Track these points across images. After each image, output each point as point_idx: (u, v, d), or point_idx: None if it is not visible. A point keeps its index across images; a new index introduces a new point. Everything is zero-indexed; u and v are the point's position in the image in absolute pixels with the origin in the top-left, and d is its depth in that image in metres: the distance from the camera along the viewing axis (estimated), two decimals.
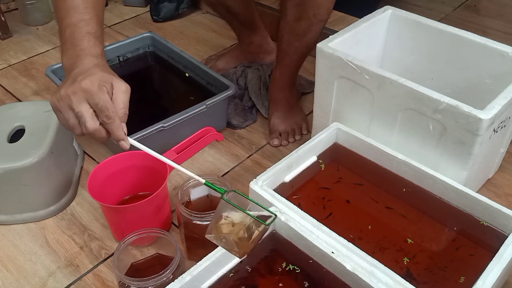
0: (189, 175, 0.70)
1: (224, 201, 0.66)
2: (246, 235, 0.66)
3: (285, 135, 1.12)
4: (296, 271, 0.73)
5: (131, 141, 0.68)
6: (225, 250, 0.67)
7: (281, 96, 1.13)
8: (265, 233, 0.69)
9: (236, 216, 0.66)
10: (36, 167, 0.89)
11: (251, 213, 0.66)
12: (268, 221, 0.66)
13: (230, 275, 0.72)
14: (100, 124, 0.64)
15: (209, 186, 0.70)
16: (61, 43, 0.70)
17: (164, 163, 0.86)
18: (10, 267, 0.87)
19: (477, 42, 0.93)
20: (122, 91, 0.65)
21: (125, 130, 0.66)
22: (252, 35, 1.29)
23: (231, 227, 0.66)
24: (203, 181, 0.70)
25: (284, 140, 1.12)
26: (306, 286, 0.71)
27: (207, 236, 0.67)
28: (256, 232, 0.66)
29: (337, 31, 0.97)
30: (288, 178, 0.86)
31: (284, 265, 0.73)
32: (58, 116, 0.66)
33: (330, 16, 1.01)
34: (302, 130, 1.14)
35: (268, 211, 0.67)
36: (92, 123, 0.63)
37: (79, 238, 0.92)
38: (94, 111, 0.63)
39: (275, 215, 0.67)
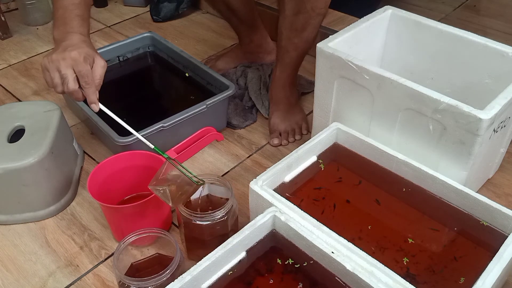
0: (144, 142, 0.84)
1: (168, 163, 0.81)
2: (180, 191, 0.79)
3: (285, 135, 1.12)
4: (296, 266, 0.73)
5: (101, 106, 0.82)
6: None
7: (282, 95, 1.13)
8: (194, 192, 0.82)
9: (174, 176, 0.80)
10: (36, 167, 0.89)
11: (188, 174, 0.81)
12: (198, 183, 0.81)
13: (230, 273, 0.72)
14: (79, 87, 0.79)
15: (157, 151, 0.82)
16: (53, 19, 0.84)
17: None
18: (10, 267, 0.87)
19: (477, 42, 0.93)
20: (100, 66, 0.81)
21: (97, 96, 0.82)
22: (252, 33, 1.29)
23: (169, 182, 0.80)
24: (152, 146, 0.83)
25: (284, 140, 1.12)
26: (306, 286, 0.71)
27: (150, 186, 0.79)
28: (188, 190, 0.80)
29: (337, 31, 0.97)
30: (288, 178, 0.86)
31: (281, 261, 0.73)
32: (45, 74, 0.80)
33: (328, 12, 1.01)
34: (302, 130, 1.14)
35: (198, 178, 0.81)
36: (72, 85, 0.78)
37: (79, 238, 0.92)
38: (76, 76, 0.79)
39: (203, 182, 0.82)
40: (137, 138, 0.95)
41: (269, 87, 1.21)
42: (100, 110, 0.83)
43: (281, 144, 1.12)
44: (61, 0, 0.82)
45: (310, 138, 0.90)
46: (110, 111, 0.83)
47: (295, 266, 0.73)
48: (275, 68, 1.12)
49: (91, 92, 0.80)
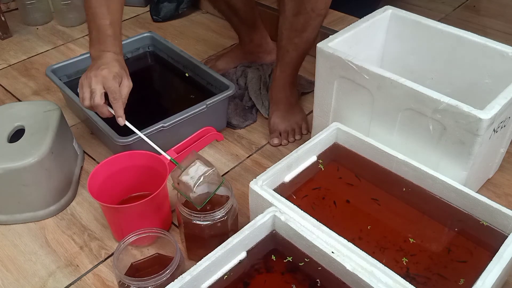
0: (155, 148, 0.87)
1: (193, 160, 0.81)
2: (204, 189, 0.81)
3: (285, 135, 1.12)
4: (296, 266, 0.73)
5: (127, 123, 0.88)
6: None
7: (282, 95, 1.13)
8: (216, 190, 0.83)
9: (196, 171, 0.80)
10: (36, 167, 0.89)
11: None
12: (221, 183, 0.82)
13: (229, 275, 0.72)
14: (104, 103, 0.86)
15: (173, 162, 0.84)
16: (89, 39, 0.92)
17: (164, 164, 0.86)
18: (10, 267, 0.87)
19: (477, 42, 0.93)
20: (126, 86, 0.89)
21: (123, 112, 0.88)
22: (252, 33, 1.29)
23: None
24: (169, 157, 0.86)
25: (284, 140, 1.12)
26: (305, 285, 0.71)
27: (177, 176, 0.79)
28: (211, 187, 0.81)
29: (337, 31, 0.97)
30: (288, 178, 0.86)
31: (281, 261, 0.73)
32: (79, 90, 0.89)
33: (328, 12, 1.01)
34: (302, 130, 1.14)
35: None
36: (99, 99, 0.85)
37: (79, 238, 0.92)
38: (105, 93, 0.86)
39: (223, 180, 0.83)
40: (137, 138, 0.96)
41: (269, 87, 1.21)
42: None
43: (281, 144, 1.12)
44: (93, 22, 0.90)
45: (310, 138, 0.90)
46: (134, 127, 0.89)
47: (295, 266, 0.73)
48: (275, 68, 1.12)
49: (118, 107, 0.87)
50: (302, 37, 1.03)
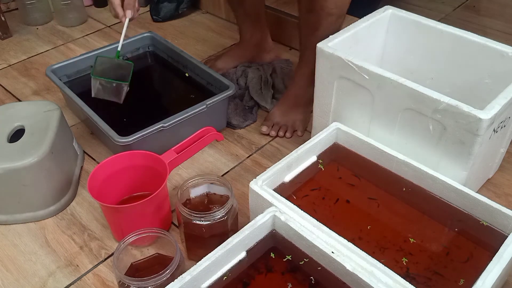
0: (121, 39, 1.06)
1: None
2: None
3: (276, 127, 1.13)
4: (296, 266, 0.73)
5: (125, 26, 1.04)
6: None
7: (293, 92, 1.14)
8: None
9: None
10: (36, 167, 0.89)
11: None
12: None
13: (228, 275, 0.72)
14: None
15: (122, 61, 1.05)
16: None
17: (164, 164, 0.86)
18: (10, 267, 0.87)
19: (477, 42, 0.93)
20: None
21: (128, 15, 1.04)
22: (254, 29, 1.29)
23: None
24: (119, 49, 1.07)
25: (273, 131, 1.12)
26: (305, 286, 0.71)
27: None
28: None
29: None
30: (288, 178, 0.86)
31: (281, 261, 0.73)
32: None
33: (343, 13, 1.01)
34: (298, 132, 1.14)
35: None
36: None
37: (79, 238, 0.92)
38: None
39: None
40: (137, 138, 0.96)
41: (270, 86, 1.21)
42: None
43: (269, 134, 1.12)
44: None
45: (310, 138, 0.90)
46: (124, 32, 1.04)
47: (295, 266, 0.73)
48: (296, 66, 1.14)
49: (115, 6, 1.02)
50: (316, 35, 1.02)
